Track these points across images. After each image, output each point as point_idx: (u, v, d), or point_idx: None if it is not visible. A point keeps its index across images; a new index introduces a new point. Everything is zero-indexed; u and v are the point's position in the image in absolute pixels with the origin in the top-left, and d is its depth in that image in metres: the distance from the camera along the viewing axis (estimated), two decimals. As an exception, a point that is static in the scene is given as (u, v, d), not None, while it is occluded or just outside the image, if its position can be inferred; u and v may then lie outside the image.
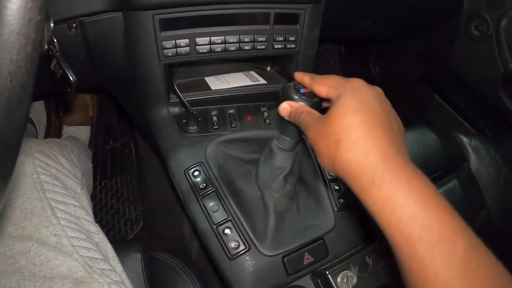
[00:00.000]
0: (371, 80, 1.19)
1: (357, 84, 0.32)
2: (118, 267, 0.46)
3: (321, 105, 0.38)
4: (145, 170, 0.95)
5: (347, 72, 1.31)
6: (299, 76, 0.38)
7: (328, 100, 0.35)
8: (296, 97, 0.37)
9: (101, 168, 0.99)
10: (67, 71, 0.38)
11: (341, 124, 0.29)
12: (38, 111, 0.93)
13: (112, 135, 1.05)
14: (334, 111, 0.30)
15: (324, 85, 0.34)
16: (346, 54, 1.29)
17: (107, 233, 0.49)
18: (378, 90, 0.33)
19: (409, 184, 0.26)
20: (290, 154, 0.45)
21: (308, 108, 0.35)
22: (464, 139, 0.73)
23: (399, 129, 0.31)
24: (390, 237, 0.26)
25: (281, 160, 0.45)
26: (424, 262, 0.24)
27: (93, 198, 0.92)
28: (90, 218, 0.49)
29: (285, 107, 0.37)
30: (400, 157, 0.27)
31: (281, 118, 0.40)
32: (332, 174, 0.32)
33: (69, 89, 0.40)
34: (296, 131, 0.42)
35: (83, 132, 0.97)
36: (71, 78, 0.39)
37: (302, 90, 0.38)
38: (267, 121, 0.55)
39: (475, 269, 0.24)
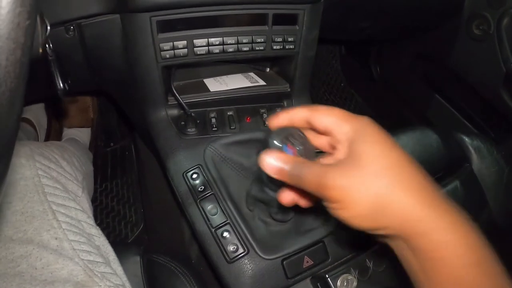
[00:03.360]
0: (372, 81, 1.19)
1: (376, 130, 0.27)
2: (119, 270, 0.46)
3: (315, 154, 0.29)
4: (145, 173, 0.95)
5: (347, 73, 1.31)
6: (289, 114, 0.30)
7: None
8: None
9: (101, 171, 0.99)
10: (56, 78, 0.38)
11: (377, 182, 0.24)
12: (39, 114, 0.93)
13: (112, 137, 1.05)
14: (364, 165, 0.25)
15: (329, 116, 0.28)
16: (346, 55, 1.29)
17: (107, 236, 0.49)
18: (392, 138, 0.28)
19: (454, 228, 0.25)
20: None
21: (305, 160, 0.28)
22: (466, 139, 0.73)
23: (425, 173, 0.27)
24: (427, 282, 0.25)
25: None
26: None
27: (94, 200, 0.92)
28: (91, 221, 0.49)
29: (271, 164, 0.27)
30: (435, 207, 0.25)
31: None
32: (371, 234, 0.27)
33: (57, 95, 0.39)
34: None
35: (83, 135, 0.97)
36: (59, 85, 0.38)
37: (285, 148, 0.28)
38: (266, 123, 0.55)
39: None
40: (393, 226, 0.25)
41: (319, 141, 0.31)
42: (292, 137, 0.29)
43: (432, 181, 0.26)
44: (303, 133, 0.29)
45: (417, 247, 0.25)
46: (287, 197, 0.30)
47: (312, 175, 0.26)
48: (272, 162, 0.27)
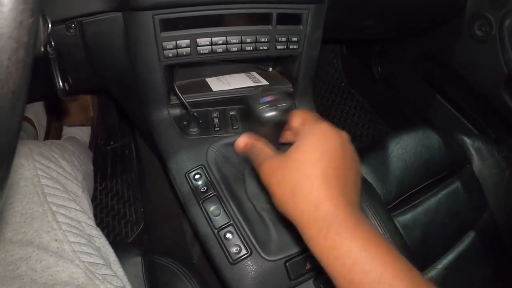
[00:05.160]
0: (373, 81, 1.18)
1: (324, 129, 0.32)
2: (120, 271, 0.46)
3: (288, 112, 0.35)
4: (145, 171, 0.94)
5: (349, 72, 1.30)
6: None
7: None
8: (257, 108, 0.34)
9: (101, 169, 0.98)
10: (56, 77, 0.37)
11: (299, 173, 0.29)
12: (38, 112, 0.92)
13: (112, 135, 1.04)
14: (293, 157, 0.30)
15: (299, 117, 0.35)
16: (348, 54, 1.29)
17: (107, 235, 0.48)
18: (344, 137, 0.33)
19: (354, 233, 0.27)
20: None
21: (261, 145, 0.34)
22: (467, 140, 0.73)
23: (356, 178, 0.32)
24: (336, 281, 0.28)
25: None
26: None
27: (93, 199, 0.91)
28: (92, 222, 0.48)
29: (237, 143, 0.36)
30: (349, 208, 0.29)
31: (255, 128, 0.37)
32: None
33: (58, 94, 0.39)
34: (273, 139, 0.38)
35: (83, 133, 0.97)
36: (58, 85, 0.38)
37: (262, 100, 0.34)
38: None
39: None
40: (293, 221, 0.30)
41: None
42: (272, 93, 0.36)
43: (351, 195, 0.30)
44: (281, 95, 0.36)
45: (313, 245, 0.29)
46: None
47: (255, 161, 0.34)
48: (240, 138, 0.36)
